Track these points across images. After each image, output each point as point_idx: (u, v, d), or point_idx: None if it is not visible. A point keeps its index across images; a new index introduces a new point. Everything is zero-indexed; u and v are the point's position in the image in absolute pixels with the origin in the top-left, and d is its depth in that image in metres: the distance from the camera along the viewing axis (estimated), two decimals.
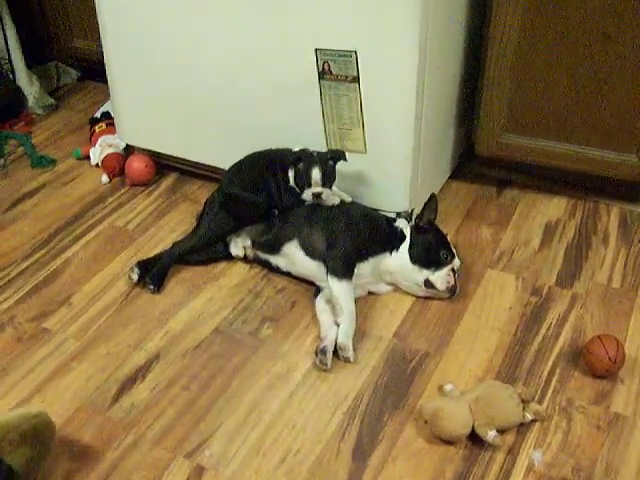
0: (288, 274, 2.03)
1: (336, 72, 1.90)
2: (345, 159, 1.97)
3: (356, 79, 1.88)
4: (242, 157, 2.08)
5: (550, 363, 1.77)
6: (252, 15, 1.96)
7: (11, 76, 2.86)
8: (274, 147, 2.07)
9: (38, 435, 1.49)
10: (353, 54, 1.85)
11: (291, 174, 2.00)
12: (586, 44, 1.97)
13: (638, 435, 1.59)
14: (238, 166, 2.08)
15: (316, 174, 1.95)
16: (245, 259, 2.10)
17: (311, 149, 2.00)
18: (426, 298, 1.96)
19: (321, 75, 1.92)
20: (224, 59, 2.08)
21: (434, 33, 1.87)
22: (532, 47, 2.02)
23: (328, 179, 1.97)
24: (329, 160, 1.97)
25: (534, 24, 1.99)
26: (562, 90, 2.06)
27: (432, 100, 2.00)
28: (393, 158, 2.00)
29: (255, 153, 2.08)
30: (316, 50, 1.89)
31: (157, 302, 1.98)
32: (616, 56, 1.96)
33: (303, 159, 1.96)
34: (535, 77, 2.07)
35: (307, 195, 1.98)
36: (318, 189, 1.97)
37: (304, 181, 1.97)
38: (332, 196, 2.01)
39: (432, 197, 1.99)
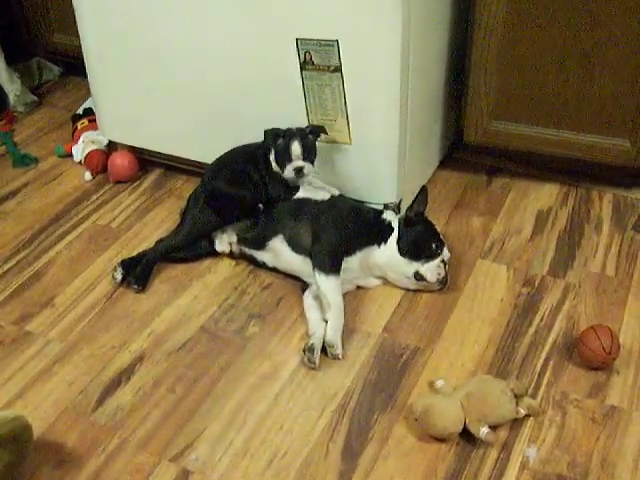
0: (274, 270, 2.00)
1: (318, 62, 1.86)
2: (325, 132, 1.95)
3: (338, 69, 1.84)
4: (222, 154, 2.05)
5: (543, 356, 1.74)
6: (232, 6, 1.92)
7: None
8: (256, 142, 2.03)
9: (16, 439, 1.46)
10: (335, 43, 1.81)
11: (272, 157, 1.97)
12: (574, 27, 1.93)
13: (634, 427, 1.56)
14: (220, 162, 2.05)
15: (296, 147, 1.92)
16: (231, 255, 2.06)
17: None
18: (416, 291, 1.93)
19: (303, 65, 1.88)
20: (206, 52, 2.04)
21: (418, 19, 1.83)
22: (519, 31, 1.98)
23: (309, 153, 1.94)
24: (309, 134, 1.94)
25: (520, 7, 1.94)
26: (550, 75, 2.02)
27: (417, 88, 1.96)
28: (379, 149, 1.97)
29: (235, 148, 2.05)
30: (297, 40, 1.85)
31: (141, 302, 1.94)
32: (605, 39, 1.92)
33: (282, 135, 1.93)
34: (522, 62, 2.03)
35: (289, 172, 1.94)
36: (299, 163, 1.93)
37: (284, 157, 1.93)
38: (320, 191, 1.99)
39: (423, 189, 1.96)
